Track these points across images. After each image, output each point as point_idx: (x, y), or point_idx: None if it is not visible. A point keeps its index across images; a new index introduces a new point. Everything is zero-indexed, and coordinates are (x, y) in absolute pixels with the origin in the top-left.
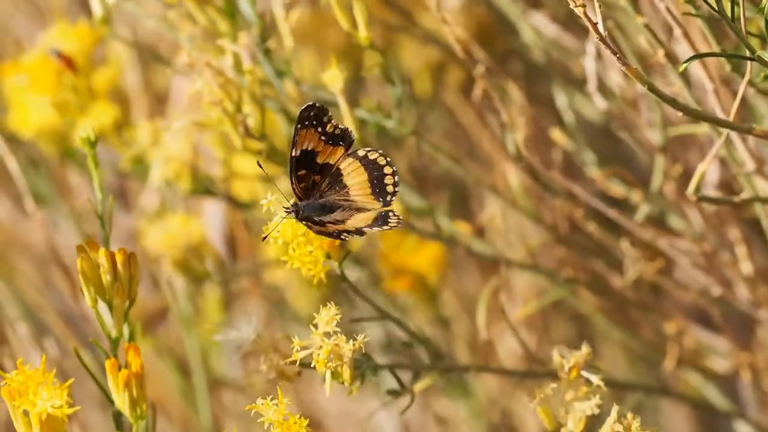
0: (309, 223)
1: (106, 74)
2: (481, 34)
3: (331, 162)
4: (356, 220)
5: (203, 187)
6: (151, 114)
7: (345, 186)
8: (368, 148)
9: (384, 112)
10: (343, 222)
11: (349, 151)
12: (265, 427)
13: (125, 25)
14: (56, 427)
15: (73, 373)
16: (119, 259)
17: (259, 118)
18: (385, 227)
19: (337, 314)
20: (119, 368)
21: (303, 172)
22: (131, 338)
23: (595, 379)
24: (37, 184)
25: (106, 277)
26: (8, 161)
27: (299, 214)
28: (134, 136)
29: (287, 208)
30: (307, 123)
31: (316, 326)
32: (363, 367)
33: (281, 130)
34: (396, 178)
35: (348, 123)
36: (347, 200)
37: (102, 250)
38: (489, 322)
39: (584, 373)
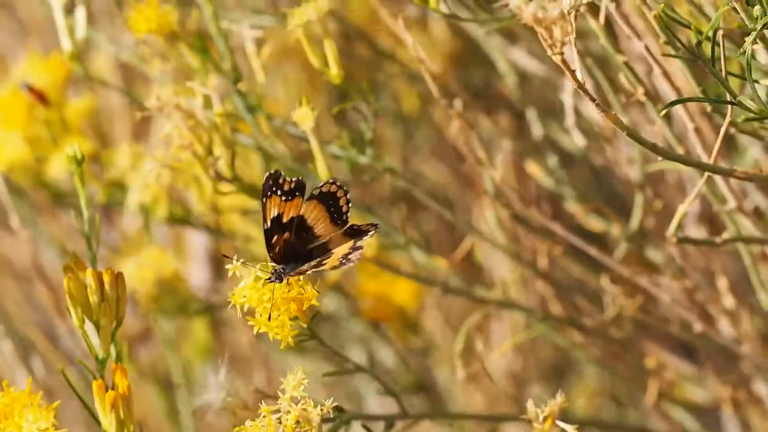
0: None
1: (79, 106)
2: (461, 64)
3: (293, 215)
4: (332, 260)
5: (181, 217)
6: (135, 134)
7: (311, 229)
8: (320, 183)
9: (359, 146)
10: (323, 263)
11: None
12: None
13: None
14: None
15: (58, 390)
16: (107, 279)
17: (229, 161)
18: (347, 263)
19: (304, 379)
20: (106, 389)
21: (275, 238)
22: (118, 359)
23: (571, 429)
24: (18, 207)
25: (93, 298)
26: None
27: (282, 277)
28: (114, 159)
29: (269, 278)
30: (269, 193)
31: (283, 391)
32: (335, 423)
33: (257, 167)
34: (348, 196)
35: (318, 161)
36: (319, 242)
37: (89, 270)
38: (473, 345)
39: (559, 423)
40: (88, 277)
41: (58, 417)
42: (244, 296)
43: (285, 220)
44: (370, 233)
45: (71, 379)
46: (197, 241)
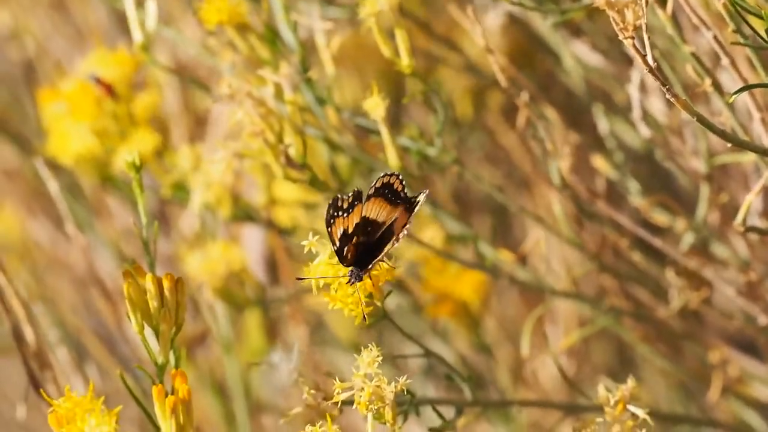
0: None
1: (146, 100)
2: (522, 59)
3: (357, 221)
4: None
5: (244, 213)
6: (191, 137)
7: (375, 221)
8: (374, 181)
9: (426, 139)
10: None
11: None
12: None
13: (166, 47)
14: None
15: (113, 397)
16: (166, 284)
17: (300, 149)
18: (402, 237)
19: (378, 356)
20: (166, 394)
21: (346, 249)
22: (177, 364)
23: (642, 413)
24: (75, 210)
25: (152, 303)
26: (50, 185)
27: (360, 276)
28: (174, 161)
29: (349, 281)
30: (332, 221)
31: (357, 368)
32: (405, 405)
33: (323, 158)
34: (401, 179)
35: (389, 150)
36: (384, 227)
37: (149, 276)
38: (533, 346)
39: (630, 408)
40: (148, 283)
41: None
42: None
43: (351, 230)
44: (421, 200)
45: (128, 383)
46: (254, 243)
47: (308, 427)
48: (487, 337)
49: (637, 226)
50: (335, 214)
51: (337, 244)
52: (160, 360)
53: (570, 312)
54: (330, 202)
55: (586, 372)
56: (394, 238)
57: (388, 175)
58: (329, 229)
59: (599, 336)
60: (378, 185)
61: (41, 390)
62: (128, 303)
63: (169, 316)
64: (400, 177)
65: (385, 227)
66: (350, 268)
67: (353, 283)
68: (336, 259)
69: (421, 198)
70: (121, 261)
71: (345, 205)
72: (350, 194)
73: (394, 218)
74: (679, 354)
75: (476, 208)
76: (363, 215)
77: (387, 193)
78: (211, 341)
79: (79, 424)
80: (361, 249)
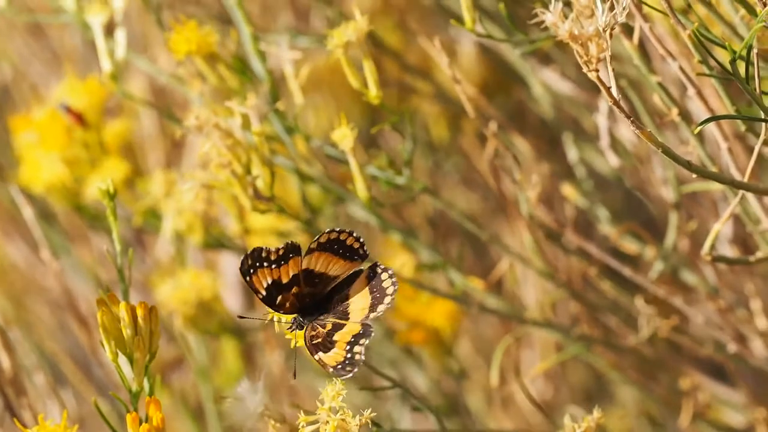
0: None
1: (116, 128)
2: (494, 88)
3: (295, 272)
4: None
5: (216, 241)
6: (168, 161)
7: (323, 274)
8: (317, 235)
9: (396, 168)
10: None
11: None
12: None
13: (141, 73)
14: None
15: (90, 421)
16: (140, 313)
17: (267, 180)
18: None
19: (342, 389)
20: (140, 422)
21: (280, 298)
22: (151, 391)
23: None
24: (51, 235)
25: (126, 332)
26: (24, 211)
27: (301, 325)
28: (147, 187)
29: (290, 327)
30: (252, 270)
31: (322, 402)
32: None
33: (294, 188)
34: (355, 235)
35: (358, 180)
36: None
37: (123, 304)
38: (507, 369)
39: None
40: (122, 311)
41: None
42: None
43: (285, 280)
44: (390, 288)
45: (103, 410)
46: (231, 268)
47: None
48: (462, 361)
49: (606, 254)
50: (256, 264)
51: (263, 293)
52: (134, 387)
53: (546, 337)
54: (248, 252)
55: (563, 395)
56: (374, 297)
57: (336, 231)
58: (246, 278)
59: (577, 361)
60: (322, 240)
61: (15, 419)
62: (102, 331)
63: (143, 344)
64: (355, 234)
65: (339, 281)
66: (293, 316)
67: (292, 330)
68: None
69: (385, 276)
70: (97, 286)
71: (272, 257)
72: (280, 247)
73: (349, 273)
74: (650, 380)
75: (451, 233)
76: (305, 267)
77: (336, 248)
78: (187, 366)
79: None
80: (308, 299)
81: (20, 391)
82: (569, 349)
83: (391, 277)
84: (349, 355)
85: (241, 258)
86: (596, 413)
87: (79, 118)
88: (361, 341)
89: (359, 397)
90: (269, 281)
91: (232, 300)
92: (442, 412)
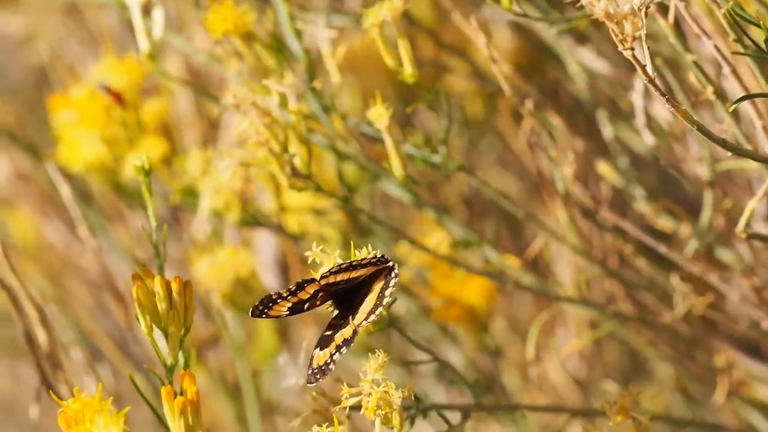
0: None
1: (155, 107)
2: (530, 67)
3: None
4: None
5: (253, 219)
6: (204, 141)
7: (345, 281)
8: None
9: (431, 146)
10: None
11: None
12: None
13: (179, 53)
14: None
15: (126, 397)
16: (175, 287)
17: (305, 158)
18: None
19: (385, 361)
20: (175, 395)
21: (307, 305)
22: (186, 365)
23: (643, 419)
24: (89, 214)
25: (161, 305)
26: (62, 189)
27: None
28: (185, 165)
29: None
30: (266, 310)
31: (365, 373)
32: (412, 410)
33: (330, 166)
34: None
35: (393, 158)
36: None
37: (158, 279)
38: (542, 347)
39: (632, 414)
40: (156, 285)
41: (127, 423)
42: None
43: (306, 297)
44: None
45: (140, 385)
46: (267, 246)
47: (315, 428)
48: (498, 340)
49: (642, 232)
50: (269, 305)
51: (285, 314)
52: (169, 361)
53: (581, 315)
54: (257, 303)
55: (598, 375)
56: (375, 304)
57: (348, 262)
58: (263, 316)
59: (611, 339)
60: (334, 270)
61: (51, 391)
62: (137, 305)
63: (178, 318)
64: (370, 256)
65: (365, 276)
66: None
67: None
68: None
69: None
70: (133, 264)
71: (285, 294)
72: (289, 287)
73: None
74: (685, 357)
75: (487, 212)
76: (325, 284)
77: (348, 268)
78: (223, 344)
79: (88, 425)
80: (338, 293)
81: (57, 366)
82: (604, 326)
83: (393, 285)
84: (328, 361)
85: (252, 308)
86: (633, 389)
87: (118, 98)
88: (342, 350)
89: (395, 374)
90: (288, 306)
91: (268, 277)
92: (477, 388)
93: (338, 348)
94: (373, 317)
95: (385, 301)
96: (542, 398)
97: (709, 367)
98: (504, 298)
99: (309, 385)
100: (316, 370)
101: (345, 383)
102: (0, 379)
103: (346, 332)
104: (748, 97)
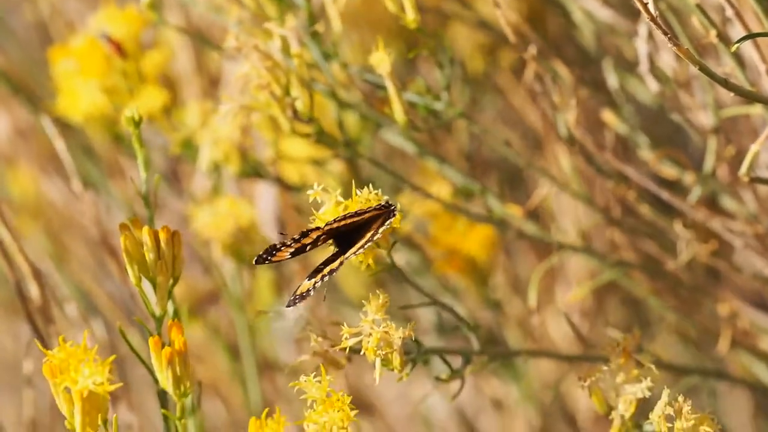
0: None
1: (155, 58)
2: (532, 16)
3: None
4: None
5: (252, 170)
6: (203, 96)
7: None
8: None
9: (433, 94)
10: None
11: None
12: (308, 405)
13: (178, 6)
14: (98, 405)
15: (123, 354)
16: (163, 237)
17: (307, 102)
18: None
19: (386, 302)
20: (162, 346)
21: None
22: (175, 316)
23: (646, 362)
24: (87, 169)
25: (149, 256)
26: (56, 142)
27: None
28: (184, 118)
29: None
30: (269, 258)
31: (365, 314)
32: (413, 353)
33: (331, 114)
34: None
35: (395, 105)
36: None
37: (145, 228)
38: (542, 303)
39: (635, 357)
40: (144, 235)
41: (122, 378)
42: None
43: (309, 241)
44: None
45: (133, 341)
46: (266, 199)
47: (302, 377)
48: (498, 293)
49: (645, 179)
50: (272, 252)
51: (288, 257)
52: (157, 312)
53: (582, 268)
54: (260, 252)
55: (598, 327)
56: (371, 234)
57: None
58: (265, 263)
59: (613, 294)
60: (338, 219)
61: (37, 340)
62: (125, 255)
63: (166, 268)
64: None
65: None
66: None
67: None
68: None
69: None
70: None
71: (288, 242)
72: (293, 237)
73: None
74: (689, 308)
75: (489, 166)
76: (328, 230)
77: (353, 215)
78: (222, 301)
79: (73, 374)
80: (340, 232)
81: (49, 321)
82: (606, 274)
83: (389, 223)
84: (310, 288)
85: (255, 257)
86: (635, 332)
87: (119, 48)
88: (325, 278)
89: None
90: (292, 251)
91: (268, 229)
92: (478, 333)
93: (322, 277)
94: (361, 251)
95: (376, 237)
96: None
97: (713, 316)
98: (505, 254)
99: (287, 308)
100: (297, 296)
101: (345, 324)
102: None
103: (334, 264)
104: (751, 36)
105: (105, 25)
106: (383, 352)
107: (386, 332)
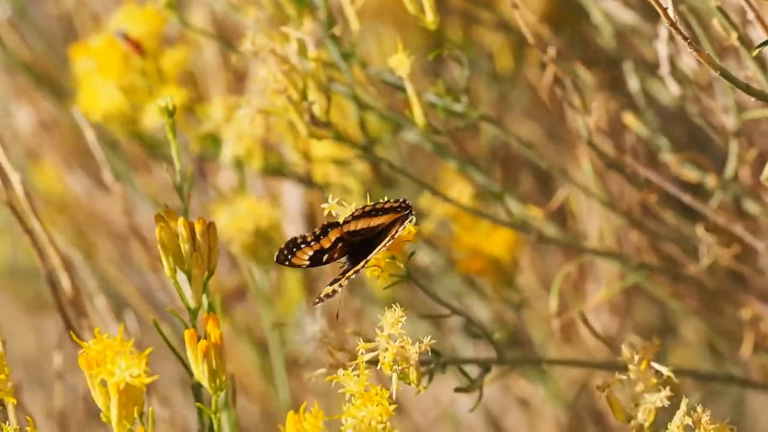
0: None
1: (175, 57)
2: (553, 18)
3: (338, 235)
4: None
5: (276, 168)
6: (228, 90)
7: (363, 230)
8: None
9: (454, 95)
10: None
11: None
12: (347, 399)
13: (200, 6)
14: (134, 397)
15: (153, 348)
16: (198, 228)
17: (324, 106)
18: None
19: (402, 316)
20: (198, 339)
21: (326, 257)
22: (210, 309)
23: (665, 371)
24: (114, 163)
25: (184, 247)
26: (87, 134)
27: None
28: (208, 113)
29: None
30: (290, 256)
31: (381, 329)
32: (431, 365)
33: (352, 115)
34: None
35: (415, 107)
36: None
37: (181, 220)
38: (573, 301)
39: (654, 365)
40: (180, 227)
41: (153, 371)
42: None
43: (327, 245)
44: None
45: (164, 332)
46: (292, 198)
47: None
48: (525, 294)
49: (667, 182)
50: (293, 250)
51: (305, 264)
52: (192, 305)
53: (611, 270)
54: (281, 247)
55: (628, 330)
56: (386, 240)
57: (372, 204)
58: (285, 264)
59: (641, 297)
60: (357, 214)
61: (72, 332)
62: (160, 247)
63: (201, 260)
64: (393, 199)
65: (383, 227)
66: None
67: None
68: None
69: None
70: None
71: (309, 239)
72: (316, 230)
73: (391, 221)
74: (711, 311)
75: (520, 163)
76: (346, 231)
77: (370, 212)
78: (249, 296)
79: (109, 366)
80: (356, 244)
81: (81, 313)
82: (630, 277)
83: (406, 226)
84: (336, 289)
85: (276, 252)
86: (654, 340)
87: (137, 46)
88: (349, 278)
89: (422, 328)
90: (310, 254)
91: (293, 230)
92: (503, 342)
93: (347, 279)
94: (378, 253)
95: (395, 238)
96: (570, 353)
97: (736, 320)
98: (533, 253)
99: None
100: (320, 297)
101: (361, 338)
102: (24, 335)
103: (357, 267)
104: None
105: (123, 23)
106: (399, 367)
107: (402, 347)
